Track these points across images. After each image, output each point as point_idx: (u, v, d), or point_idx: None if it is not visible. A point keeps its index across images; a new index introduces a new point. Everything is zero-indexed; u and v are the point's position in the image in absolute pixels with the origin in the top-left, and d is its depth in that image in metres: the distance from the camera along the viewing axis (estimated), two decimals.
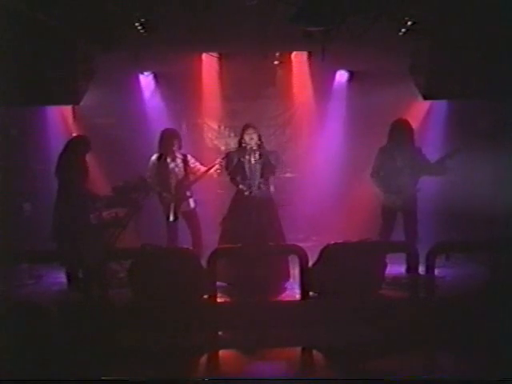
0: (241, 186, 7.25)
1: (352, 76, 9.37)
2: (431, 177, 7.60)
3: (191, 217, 7.90)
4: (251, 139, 7.25)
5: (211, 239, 7.55)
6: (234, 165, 7.30)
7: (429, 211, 8.19)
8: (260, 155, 7.27)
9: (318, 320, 6.23)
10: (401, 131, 7.55)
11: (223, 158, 7.57)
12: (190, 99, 9.35)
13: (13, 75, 6.64)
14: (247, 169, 7.26)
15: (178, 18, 7.08)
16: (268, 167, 7.29)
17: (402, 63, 8.27)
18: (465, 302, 6.24)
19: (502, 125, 8.37)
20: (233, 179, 7.35)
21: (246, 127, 7.32)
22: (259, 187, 7.24)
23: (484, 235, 7.99)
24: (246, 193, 7.22)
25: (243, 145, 7.30)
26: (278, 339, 6.07)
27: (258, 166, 7.27)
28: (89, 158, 7.71)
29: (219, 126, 9.68)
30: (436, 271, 6.59)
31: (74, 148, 7.55)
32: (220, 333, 6.27)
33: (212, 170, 7.69)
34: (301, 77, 9.35)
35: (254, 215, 7.12)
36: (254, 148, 7.25)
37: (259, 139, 7.31)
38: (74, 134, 8.41)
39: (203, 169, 7.81)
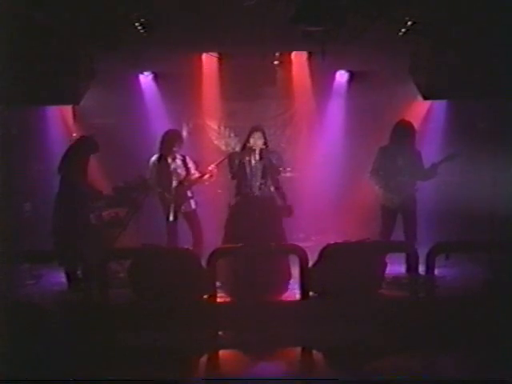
0: (242, 187, 7.27)
1: (352, 76, 9.35)
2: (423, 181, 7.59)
3: (192, 218, 7.89)
4: (257, 143, 7.25)
5: (211, 239, 7.56)
6: (235, 166, 7.31)
7: (429, 211, 8.19)
8: (261, 156, 7.26)
9: (318, 320, 6.24)
10: (404, 132, 7.54)
11: (216, 165, 7.59)
12: (190, 99, 9.34)
13: (13, 75, 6.64)
14: (248, 170, 7.26)
15: (177, 18, 7.08)
16: (270, 168, 7.29)
17: (402, 63, 8.28)
18: (465, 302, 6.25)
19: (501, 125, 8.37)
20: (234, 180, 7.35)
21: (252, 131, 7.30)
22: (260, 188, 7.26)
23: (484, 235, 7.99)
24: (248, 194, 7.24)
25: (247, 146, 7.30)
26: (278, 339, 6.07)
27: (260, 167, 7.27)
28: (90, 158, 7.69)
29: (219, 126, 9.67)
30: (436, 271, 6.60)
31: (83, 148, 7.55)
32: (220, 333, 6.28)
33: (205, 177, 7.70)
34: (301, 77, 9.34)
35: (255, 216, 7.13)
36: (256, 149, 7.25)
37: (264, 143, 7.30)
38: (83, 134, 8.31)
39: (197, 175, 7.81)
